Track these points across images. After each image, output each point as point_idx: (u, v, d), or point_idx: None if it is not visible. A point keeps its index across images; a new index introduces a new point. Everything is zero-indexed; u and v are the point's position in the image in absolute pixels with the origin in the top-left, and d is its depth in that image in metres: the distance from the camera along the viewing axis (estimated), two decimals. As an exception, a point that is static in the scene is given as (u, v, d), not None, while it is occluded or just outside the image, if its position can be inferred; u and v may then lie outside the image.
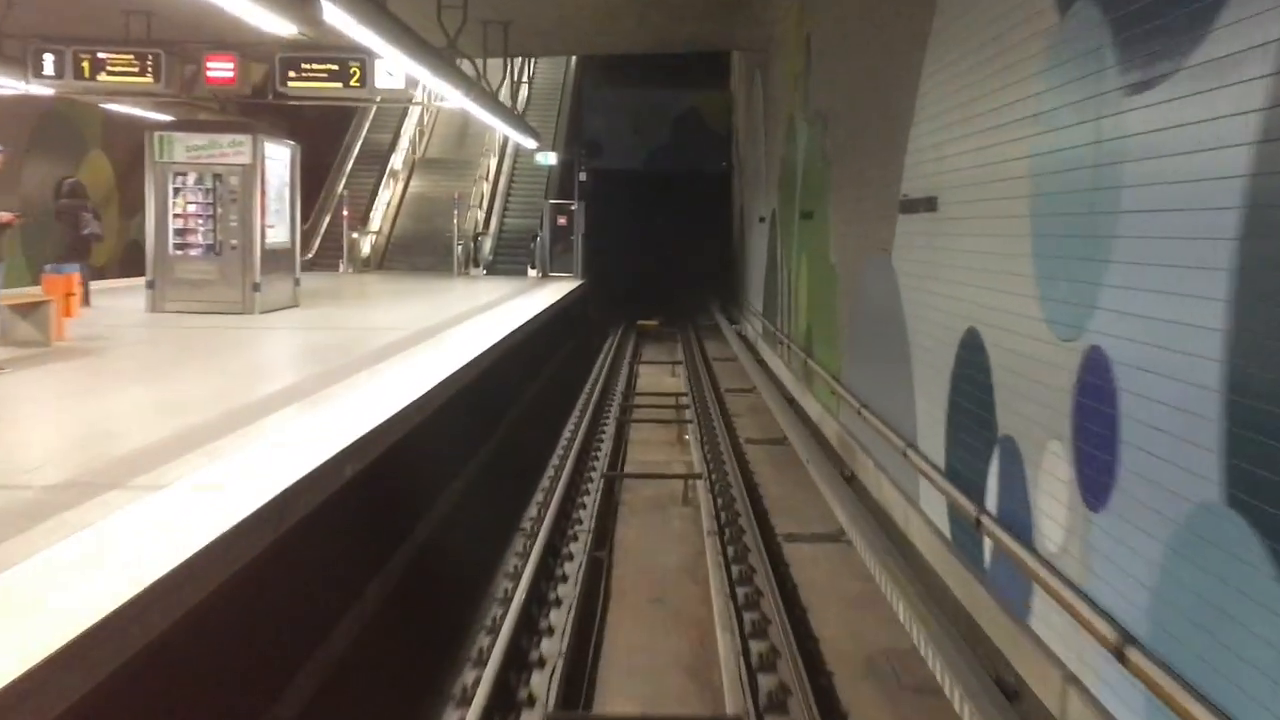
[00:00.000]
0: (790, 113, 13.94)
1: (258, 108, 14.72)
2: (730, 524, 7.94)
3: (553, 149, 24.04)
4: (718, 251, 29.53)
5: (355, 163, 25.50)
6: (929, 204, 6.53)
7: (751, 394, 14.39)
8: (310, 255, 23.01)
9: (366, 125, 26.22)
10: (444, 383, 7.62)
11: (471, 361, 8.79)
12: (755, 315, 18.13)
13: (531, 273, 22.17)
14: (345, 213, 21.83)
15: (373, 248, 23.56)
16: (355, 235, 22.72)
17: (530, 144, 19.47)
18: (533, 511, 8.21)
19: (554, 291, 17.93)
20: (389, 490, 6.39)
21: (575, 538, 7.57)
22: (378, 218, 24.13)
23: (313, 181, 25.28)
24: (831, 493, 8.46)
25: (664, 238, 30.87)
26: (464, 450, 9.10)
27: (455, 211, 21.44)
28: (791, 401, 12.22)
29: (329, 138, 25.84)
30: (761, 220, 18.03)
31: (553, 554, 7.22)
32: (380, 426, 5.79)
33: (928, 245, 6.66)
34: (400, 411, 6.21)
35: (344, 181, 24.77)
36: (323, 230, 23.54)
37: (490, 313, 13.48)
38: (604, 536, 7.90)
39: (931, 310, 6.51)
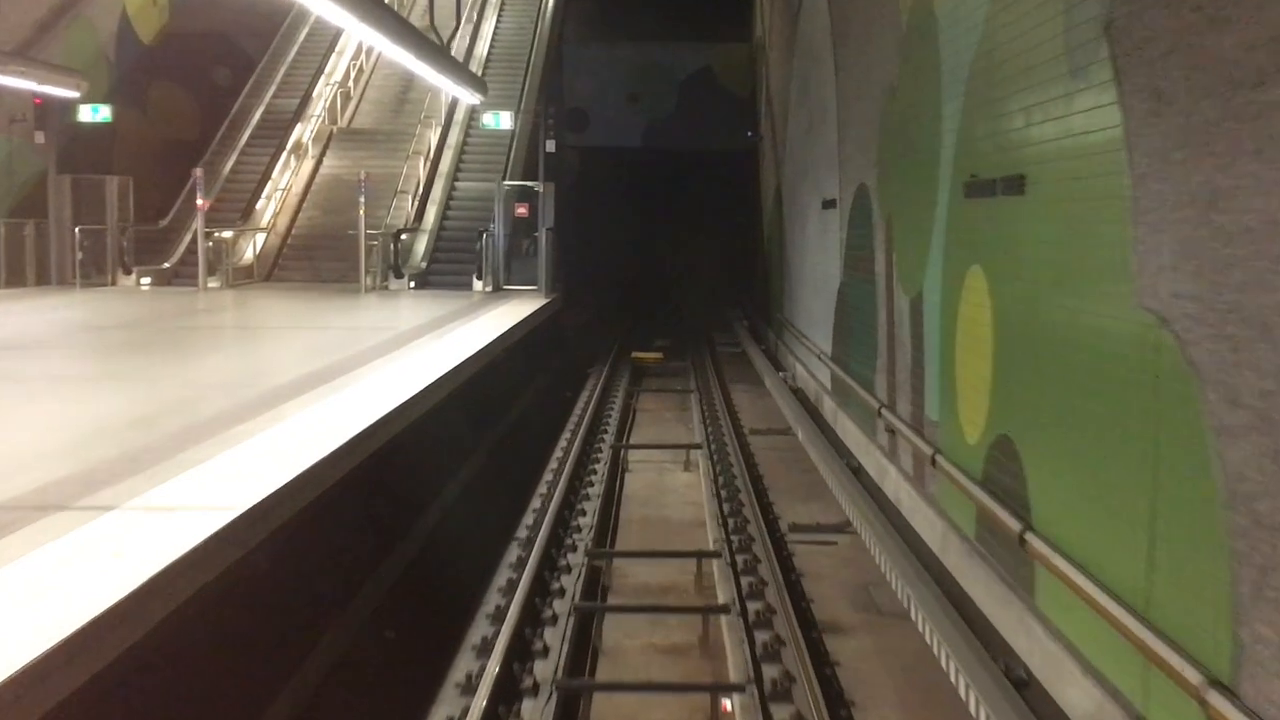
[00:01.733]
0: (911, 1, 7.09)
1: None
2: None
3: (517, 114, 17.29)
4: (741, 255, 22.77)
5: (252, 136, 18.82)
6: None
7: (846, 539, 7.54)
8: (170, 263, 16.40)
9: (272, 88, 19.68)
10: None
11: None
12: (817, 358, 11.32)
13: (478, 285, 15.38)
14: (199, 202, 15.01)
15: (260, 251, 16.79)
16: (228, 235, 15.95)
17: (467, 95, 12.72)
18: None
19: (496, 322, 11.15)
20: None
21: None
22: (271, 208, 17.35)
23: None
24: None
25: (669, 236, 24.06)
26: None
27: (360, 199, 14.62)
28: (966, 608, 5.36)
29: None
30: (827, 206, 11.22)
31: None
32: None
33: None
34: None
35: (232, 160, 18.04)
36: (194, 227, 16.76)
37: (342, 389, 6.71)
38: None
39: None
